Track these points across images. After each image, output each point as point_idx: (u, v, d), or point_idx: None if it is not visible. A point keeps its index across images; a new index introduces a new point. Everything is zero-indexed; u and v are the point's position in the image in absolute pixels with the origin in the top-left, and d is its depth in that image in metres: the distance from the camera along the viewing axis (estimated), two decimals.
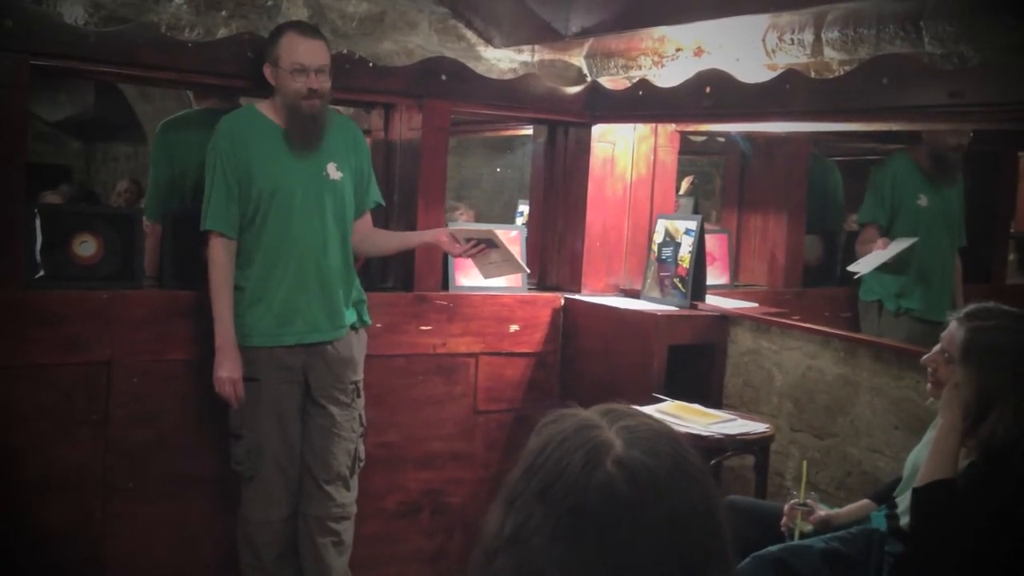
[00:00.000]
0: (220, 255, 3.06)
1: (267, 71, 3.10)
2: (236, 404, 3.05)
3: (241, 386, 3.04)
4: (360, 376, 3.26)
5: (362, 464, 3.28)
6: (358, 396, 3.25)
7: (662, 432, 1.03)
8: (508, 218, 6.82)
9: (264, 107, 3.16)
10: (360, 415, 3.26)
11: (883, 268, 3.86)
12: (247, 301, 3.09)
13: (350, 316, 3.23)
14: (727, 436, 3.12)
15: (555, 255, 4.15)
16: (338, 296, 3.16)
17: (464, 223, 3.24)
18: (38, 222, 3.05)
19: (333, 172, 3.16)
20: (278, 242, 3.07)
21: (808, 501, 2.70)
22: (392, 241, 3.47)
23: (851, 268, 3.95)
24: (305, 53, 3.05)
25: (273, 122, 3.12)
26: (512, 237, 4.00)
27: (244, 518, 3.15)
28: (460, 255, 3.34)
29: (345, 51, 3.57)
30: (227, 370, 3.02)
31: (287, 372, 3.12)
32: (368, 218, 3.36)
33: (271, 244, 3.07)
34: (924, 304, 4.00)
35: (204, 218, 3.06)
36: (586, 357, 3.88)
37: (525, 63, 4.46)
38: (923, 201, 4.08)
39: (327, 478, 3.18)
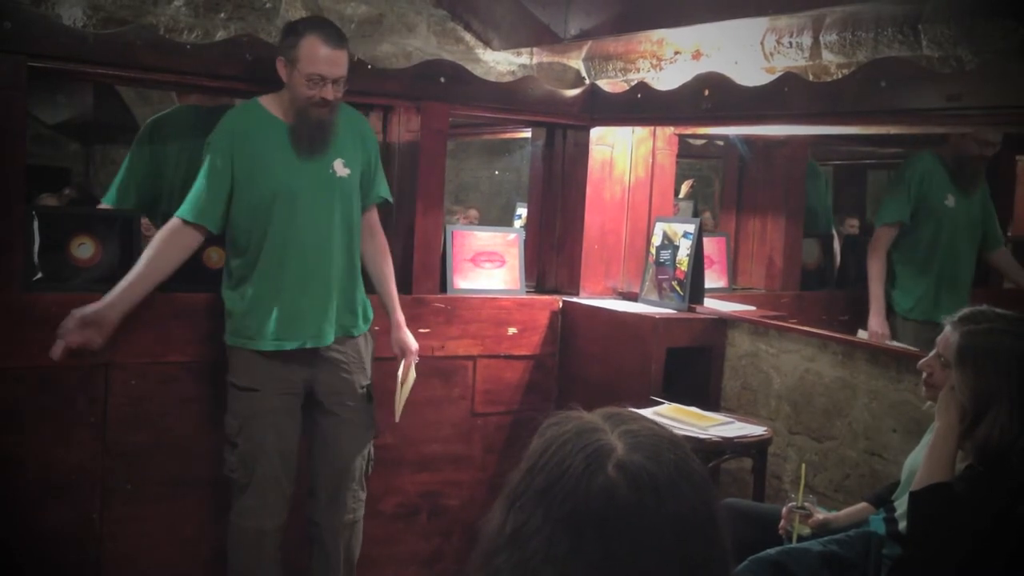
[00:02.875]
0: (165, 232, 2.97)
1: (280, 65, 2.98)
2: (64, 346, 2.83)
3: (79, 335, 2.84)
4: (370, 380, 3.24)
5: (372, 464, 3.28)
6: (369, 400, 3.23)
7: (664, 437, 1.03)
8: (506, 221, 6.83)
9: (269, 102, 3.06)
10: (372, 418, 3.25)
11: None
12: (251, 304, 3.03)
13: (358, 322, 3.19)
14: (725, 439, 3.11)
15: (553, 258, 4.15)
16: (344, 300, 3.12)
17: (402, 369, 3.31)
18: (36, 224, 3.05)
19: (340, 169, 3.07)
20: (282, 243, 3.00)
21: (806, 504, 2.71)
22: (377, 277, 3.29)
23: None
24: (326, 64, 2.92)
25: (278, 119, 3.02)
26: (511, 240, 4.01)
27: (236, 526, 3.10)
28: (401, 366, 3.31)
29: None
30: (73, 319, 2.84)
31: (288, 383, 3.07)
32: (373, 214, 3.27)
33: (275, 246, 3.00)
34: (943, 309, 3.94)
35: (181, 207, 2.99)
36: (584, 360, 3.88)
37: (524, 66, 4.46)
38: (951, 202, 4.02)
39: (343, 486, 3.17)
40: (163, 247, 2.98)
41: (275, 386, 3.06)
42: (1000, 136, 3.97)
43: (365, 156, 3.18)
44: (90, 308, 2.87)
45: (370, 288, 3.29)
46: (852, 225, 5.69)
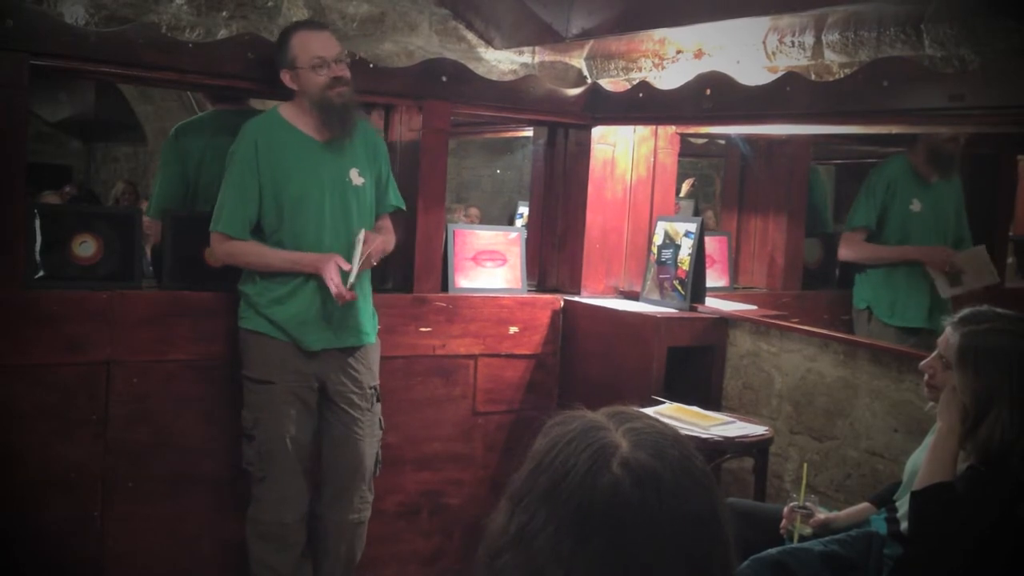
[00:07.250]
0: (226, 247, 3.07)
1: (285, 77, 3.08)
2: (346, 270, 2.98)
3: (342, 259, 3.00)
4: (377, 381, 3.28)
5: (380, 466, 3.31)
6: (377, 400, 3.28)
7: (668, 435, 1.04)
8: (507, 220, 6.83)
9: (287, 111, 3.13)
10: (379, 419, 3.29)
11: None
12: (272, 299, 3.08)
13: (371, 325, 3.24)
14: (726, 438, 3.12)
15: (555, 257, 4.15)
16: (360, 303, 3.16)
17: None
18: (38, 222, 3.05)
19: (356, 178, 3.16)
20: (304, 246, 3.07)
21: (807, 504, 2.70)
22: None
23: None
24: (321, 45, 3.04)
25: (296, 128, 3.10)
26: (512, 239, 4.01)
27: (256, 519, 3.14)
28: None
29: (345, 52, 3.57)
30: (324, 266, 2.97)
31: (301, 375, 3.11)
32: (385, 220, 3.33)
33: (297, 248, 3.07)
34: (913, 314, 3.95)
35: (215, 220, 3.06)
36: (585, 359, 3.88)
37: (525, 64, 4.46)
38: (915, 206, 4.00)
39: (351, 483, 3.21)
40: (244, 245, 3.06)
41: (289, 379, 3.10)
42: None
43: (376, 167, 3.25)
44: (316, 260, 3.00)
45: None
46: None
